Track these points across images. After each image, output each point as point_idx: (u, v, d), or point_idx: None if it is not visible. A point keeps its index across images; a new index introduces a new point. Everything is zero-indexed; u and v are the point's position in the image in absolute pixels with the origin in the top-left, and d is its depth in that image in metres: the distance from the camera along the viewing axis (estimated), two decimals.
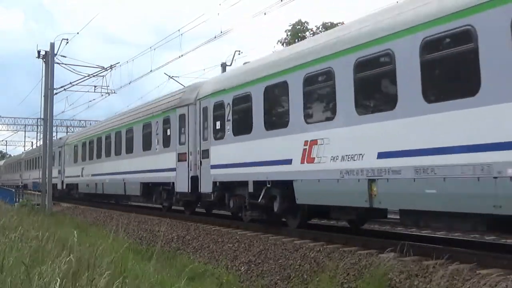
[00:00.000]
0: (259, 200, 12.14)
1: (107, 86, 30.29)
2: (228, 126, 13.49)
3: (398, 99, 8.47)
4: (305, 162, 10.50)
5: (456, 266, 7.39)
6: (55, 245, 7.76)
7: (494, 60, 7.04)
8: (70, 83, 29.49)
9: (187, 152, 15.72)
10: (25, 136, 71.09)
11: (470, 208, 7.38)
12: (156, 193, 19.04)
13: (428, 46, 7.98)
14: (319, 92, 10.57)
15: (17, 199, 32.29)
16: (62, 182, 32.40)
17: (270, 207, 12.12)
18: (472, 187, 7.18)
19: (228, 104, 13.52)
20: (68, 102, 63.17)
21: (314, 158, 10.24)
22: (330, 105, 10.06)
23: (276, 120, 11.85)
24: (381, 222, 14.67)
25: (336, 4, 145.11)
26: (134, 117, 21.27)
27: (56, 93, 27.97)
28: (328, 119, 10.06)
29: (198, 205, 17.74)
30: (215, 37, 22.97)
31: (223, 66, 30.85)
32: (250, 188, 12.51)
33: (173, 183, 16.63)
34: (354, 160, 9.25)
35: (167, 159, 17.00)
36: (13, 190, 37.10)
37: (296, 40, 37.80)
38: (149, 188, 19.48)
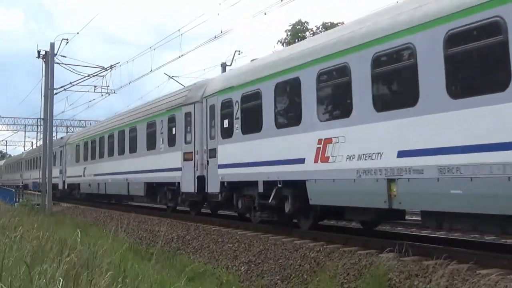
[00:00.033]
0: (270, 201, 11.78)
1: (107, 86, 30.26)
2: (237, 125, 13.11)
3: (420, 95, 8.11)
4: (319, 161, 10.14)
5: (456, 266, 7.33)
6: (55, 245, 7.64)
7: None
8: (70, 83, 29.48)
9: (193, 151, 15.36)
10: (25, 136, 71.04)
11: (499, 210, 7.02)
12: (160, 194, 18.66)
13: (453, 39, 7.61)
14: (334, 89, 10.20)
15: (17, 199, 32.03)
16: (64, 182, 32.06)
17: (281, 207, 11.77)
18: (502, 187, 6.82)
19: (237, 101, 13.15)
20: (68, 102, 62.84)
21: (329, 157, 9.88)
22: (346, 102, 9.69)
23: (288, 118, 11.50)
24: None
25: (336, 4, 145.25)
26: (137, 115, 20.86)
27: (56, 93, 27.98)
28: (344, 116, 9.69)
29: (204, 205, 17.40)
30: (215, 37, 22.86)
31: (223, 66, 30.71)
32: (260, 188, 12.14)
33: (179, 183, 16.27)
34: (372, 159, 8.89)
35: (173, 158, 16.63)
36: (13, 190, 36.81)
37: (296, 40, 37.47)
38: (153, 188, 19.11)
